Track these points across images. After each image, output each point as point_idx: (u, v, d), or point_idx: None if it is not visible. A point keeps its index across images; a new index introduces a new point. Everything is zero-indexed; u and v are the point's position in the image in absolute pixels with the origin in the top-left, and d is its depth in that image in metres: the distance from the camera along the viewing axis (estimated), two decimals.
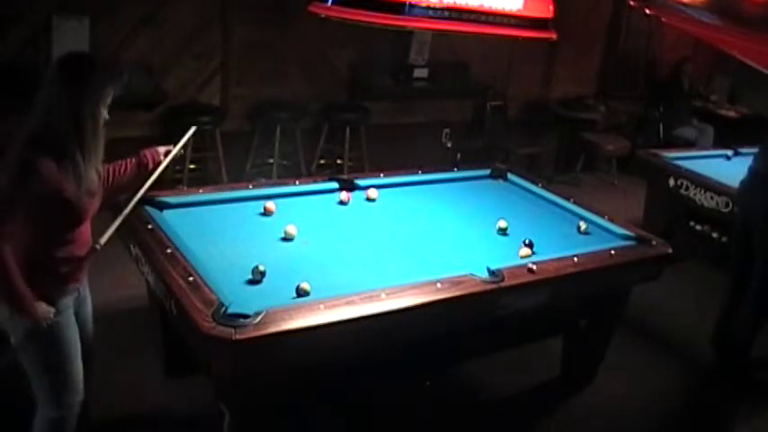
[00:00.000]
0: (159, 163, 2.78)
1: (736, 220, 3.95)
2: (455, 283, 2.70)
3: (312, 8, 3.30)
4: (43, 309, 2.29)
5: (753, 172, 3.82)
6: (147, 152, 2.77)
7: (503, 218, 3.43)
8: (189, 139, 2.90)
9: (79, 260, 2.43)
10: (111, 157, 4.42)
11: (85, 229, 2.42)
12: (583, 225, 3.53)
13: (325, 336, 2.37)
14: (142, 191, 2.71)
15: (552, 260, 3.01)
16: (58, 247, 2.32)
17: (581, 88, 7.36)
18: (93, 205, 2.39)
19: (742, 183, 3.91)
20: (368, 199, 3.66)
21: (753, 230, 3.75)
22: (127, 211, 2.60)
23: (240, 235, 3.07)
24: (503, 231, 3.37)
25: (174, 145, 2.88)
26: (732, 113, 7.64)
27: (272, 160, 5.57)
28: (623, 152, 7.07)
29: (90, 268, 4.30)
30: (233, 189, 3.56)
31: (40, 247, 2.28)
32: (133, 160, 2.72)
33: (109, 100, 2.29)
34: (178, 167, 5.23)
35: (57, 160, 2.18)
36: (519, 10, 3.40)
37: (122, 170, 2.68)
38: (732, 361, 3.96)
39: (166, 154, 2.81)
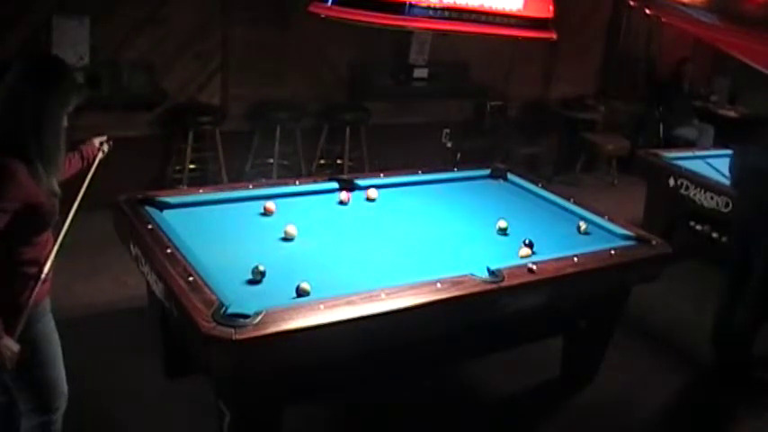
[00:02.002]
0: (95, 158, 2.75)
1: (736, 218, 3.95)
2: (455, 283, 2.70)
3: (312, 8, 3.30)
4: (8, 344, 2.17)
5: (752, 169, 3.80)
6: (87, 147, 2.75)
7: (503, 218, 3.43)
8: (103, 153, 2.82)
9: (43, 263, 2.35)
10: (110, 156, 4.42)
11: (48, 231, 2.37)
12: (583, 225, 3.53)
13: (325, 336, 2.37)
14: (82, 191, 2.64)
15: (552, 260, 3.01)
16: (27, 250, 2.26)
17: (581, 88, 7.36)
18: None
19: (742, 180, 3.89)
20: (368, 199, 3.66)
21: (752, 229, 3.75)
22: (72, 212, 2.55)
23: (240, 235, 3.07)
24: (503, 231, 3.37)
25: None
26: (732, 113, 7.64)
27: (272, 160, 5.57)
28: (623, 152, 7.08)
29: (90, 268, 4.33)
30: (233, 189, 3.56)
31: (10, 253, 2.21)
32: (76, 155, 2.69)
33: (71, 108, 2.26)
34: (178, 167, 5.23)
35: (25, 164, 2.13)
36: (519, 10, 3.40)
37: (68, 165, 2.61)
38: (731, 360, 3.96)
39: (101, 145, 2.79)
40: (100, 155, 2.77)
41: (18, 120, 2.13)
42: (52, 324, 2.45)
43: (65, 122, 2.24)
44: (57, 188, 2.27)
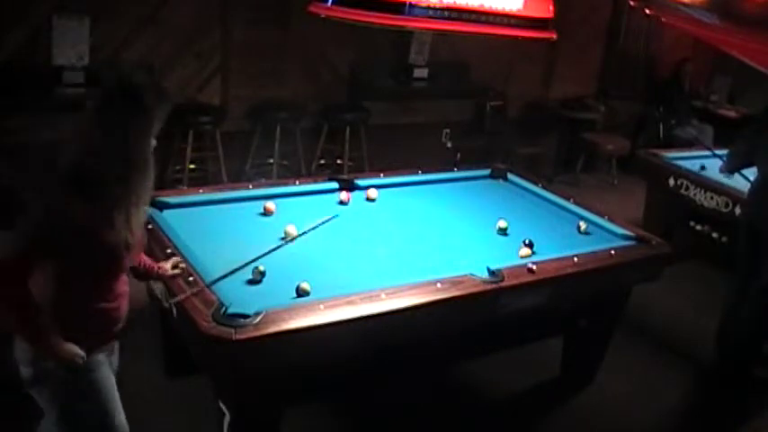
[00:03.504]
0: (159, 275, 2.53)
1: (744, 222, 3.94)
2: (455, 283, 2.70)
3: (312, 8, 3.30)
4: (71, 348, 2.08)
5: (763, 175, 3.81)
6: (162, 265, 2.55)
7: (503, 218, 3.43)
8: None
9: (115, 316, 2.21)
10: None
11: (123, 281, 2.22)
12: (583, 225, 3.53)
13: (325, 336, 2.37)
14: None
15: (552, 260, 3.01)
16: (90, 299, 2.11)
17: (581, 88, 7.36)
18: (135, 255, 2.22)
19: (752, 186, 3.90)
20: (368, 199, 3.66)
21: (760, 228, 3.75)
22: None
23: (240, 235, 3.07)
24: (503, 231, 3.37)
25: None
26: (732, 113, 7.64)
27: (272, 160, 5.57)
28: (623, 152, 7.08)
29: None
30: (233, 189, 3.57)
31: (71, 300, 2.08)
32: (151, 265, 2.52)
33: (156, 131, 2.12)
34: (178, 167, 5.23)
35: (98, 205, 1.97)
36: (519, 10, 3.40)
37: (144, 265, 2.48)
38: (733, 361, 3.96)
39: (173, 268, 2.55)
40: (171, 273, 2.52)
41: (99, 156, 1.97)
42: (109, 374, 2.35)
43: (151, 150, 2.10)
44: (137, 237, 2.11)
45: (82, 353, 2.10)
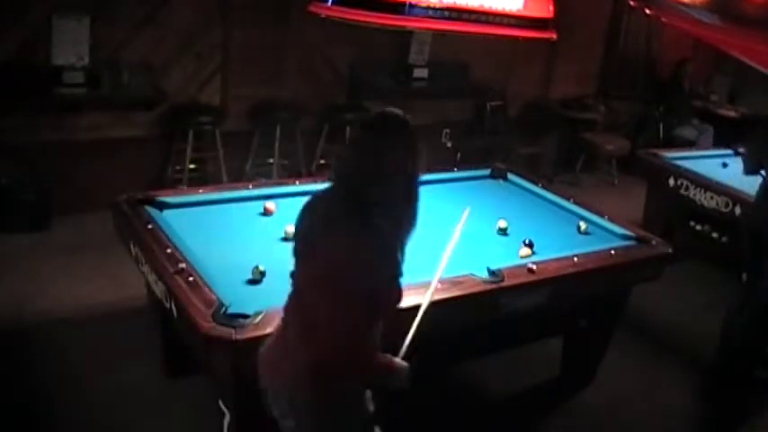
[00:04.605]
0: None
1: (749, 220, 3.92)
2: (455, 283, 2.70)
3: (312, 8, 3.30)
4: (400, 362, 2.06)
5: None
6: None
7: (503, 218, 3.42)
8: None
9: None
10: (110, 156, 4.44)
11: None
12: (583, 225, 3.53)
13: None
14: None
15: (552, 260, 3.01)
16: (373, 335, 2.01)
17: (581, 88, 7.36)
18: None
19: (759, 188, 3.88)
20: None
21: (762, 235, 3.74)
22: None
23: (240, 235, 3.07)
24: (503, 231, 3.36)
25: None
26: (732, 113, 7.65)
27: (272, 160, 5.57)
28: (623, 152, 7.08)
29: (90, 268, 4.33)
30: (233, 189, 3.56)
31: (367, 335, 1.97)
32: None
33: None
34: (178, 167, 5.23)
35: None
36: (519, 10, 3.40)
37: None
38: (734, 361, 3.95)
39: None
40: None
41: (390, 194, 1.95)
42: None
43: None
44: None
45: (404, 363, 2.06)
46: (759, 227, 3.77)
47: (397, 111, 2.05)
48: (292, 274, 2.06)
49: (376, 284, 1.90)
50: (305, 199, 2.13)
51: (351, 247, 1.88)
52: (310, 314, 1.93)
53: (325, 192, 2.03)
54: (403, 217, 2.04)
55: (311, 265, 1.97)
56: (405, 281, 2.01)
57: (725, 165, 4.90)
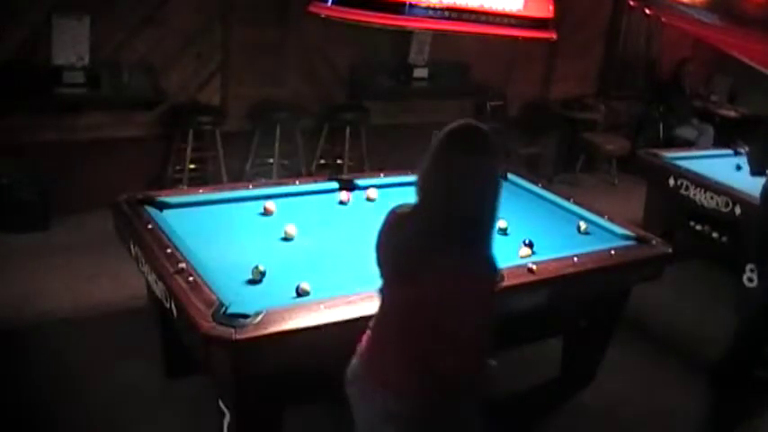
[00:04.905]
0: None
1: (758, 220, 3.90)
2: None
3: (312, 8, 3.30)
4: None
5: None
6: None
7: (503, 218, 3.42)
8: None
9: None
10: (110, 156, 4.45)
11: None
12: (583, 225, 3.53)
13: (326, 336, 2.37)
14: None
15: (552, 260, 3.01)
16: None
17: (581, 88, 7.36)
18: None
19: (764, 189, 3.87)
20: (368, 199, 3.66)
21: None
22: None
23: (240, 235, 3.07)
24: (503, 231, 3.36)
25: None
26: (732, 113, 7.65)
27: (272, 160, 5.57)
28: (623, 152, 7.07)
29: (90, 268, 4.33)
30: (233, 189, 3.56)
31: None
32: None
33: None
34: (178, 167, 5.23)
35: None
36: (519, 10, 3.40)
37: None
38: (735, 361, 3.94)
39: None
40: None
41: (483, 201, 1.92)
42: None
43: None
44: None
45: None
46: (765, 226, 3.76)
47: (474, 121, 2.00)
48: (381, 290, 2.07)
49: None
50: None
51: (482, 271, 1.94)
52: (431, 332, 1.91)
53: (420, 212, 1.94)
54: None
55: (432, 287, 1.90)
56: None
57: (739, 167, 4.88)
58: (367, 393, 2.06)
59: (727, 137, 6.88)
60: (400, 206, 2.02)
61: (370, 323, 2.10)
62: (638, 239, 3.41)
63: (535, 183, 4.12)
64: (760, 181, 3.86)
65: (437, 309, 1.90)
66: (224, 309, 2.34)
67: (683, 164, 4.97)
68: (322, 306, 2.41)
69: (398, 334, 2.00)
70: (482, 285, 1.95)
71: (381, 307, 2.08)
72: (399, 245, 1.98)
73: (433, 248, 1.89)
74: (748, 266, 3.81)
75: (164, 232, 2.88)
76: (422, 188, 1.95)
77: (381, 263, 2.04)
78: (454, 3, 3.22)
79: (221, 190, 3.55)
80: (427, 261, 1.89)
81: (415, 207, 1.96)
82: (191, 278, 2.52)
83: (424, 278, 1.90)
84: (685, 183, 4.75)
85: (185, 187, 4.76)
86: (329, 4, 3.21)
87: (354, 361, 2.11)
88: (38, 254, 4.39)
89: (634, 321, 4.07)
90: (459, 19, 3.28)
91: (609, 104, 7.45)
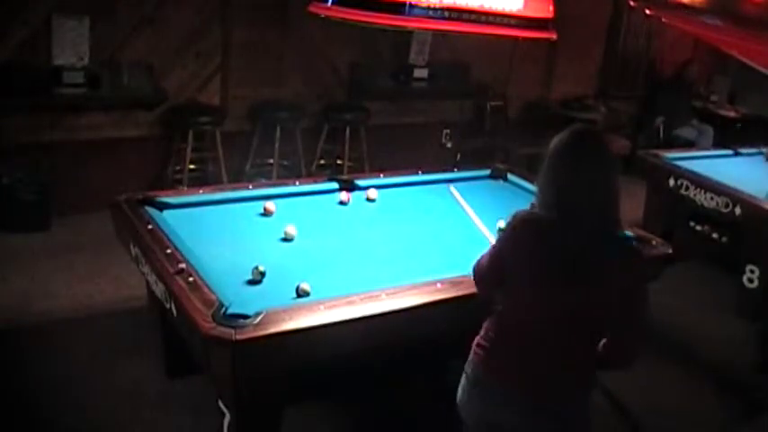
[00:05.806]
0: None
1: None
2: (455, 283, 2.69)
3: (312, 8, 3.30)
4: None
5: None
6: None
7: (503, 218, 3.42)
8: None
9: None
10: (110, 156, 4.44)
11: None
12: None
13: (325, 336, 2.37)
14: None
15: None
16: None
17: (581, 88, 7.36)
18: None
19: None
20: (368, 199, 3.66)
21: None
22: None
23: (240, 235, 3.07)
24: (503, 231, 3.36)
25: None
26: (732, 113, 7.64)
27: (272, 160, 5.57)
28: (623, 152, 7.07)
29: (90, 268, 4.33)
30: (233, 189, 3.57)
31: None
32: None
33: None
34: (178, 168, 5.23)
35: None
36: (519, 10, 3.40)
37: None
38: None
39: None
40: None
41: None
42: None
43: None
44: None
45: None
46: None
47: (584, 125, 2.30)
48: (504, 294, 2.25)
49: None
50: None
51: (639, 270, 2.14)
52: (587, 334, 2.19)
53: (561, 222, 2.15)
54: None
55: (587, 291, 2.07)
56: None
57: None
58: (497, 393, 2.31)
59: (727, 137, 6.87)
60: (526, 213, 2.34)
61: (489, 331, 2.30)
62: (638, 239, 3.40)
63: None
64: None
65: (610, 307, 2.09)
66: (224, 309, 2.34)
67: (683, 164, 4.97)
68: (322, 306, 2.41)
69: (543, 333, 2.15)
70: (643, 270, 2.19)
71: (509, 310, 2.25)
72: (551, 254, 2.12)
73: (592, 253, 2.06)
74: (748, 267, 3.82)
75: (164, 232, 2.88)
76: (561, 201, 2.19)
77: (510, 269, 2.21)
78: (454, 3, 3.22)
79: (221, 190, 3.55)
80: (590, 266, 2.06)
81: (554, 218, 2.16)
82: (191, 278, 2.52)
83: (594, 281, 2.06)
84: (685, 183, 4.76)
85: (185, 187, 4.76)
86: (329, 4, 3.21)
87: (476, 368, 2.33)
88: (38, 254, 4.39)
89: None
90: (459, 19, 3.28)
91: (609, 104, 7.44)
